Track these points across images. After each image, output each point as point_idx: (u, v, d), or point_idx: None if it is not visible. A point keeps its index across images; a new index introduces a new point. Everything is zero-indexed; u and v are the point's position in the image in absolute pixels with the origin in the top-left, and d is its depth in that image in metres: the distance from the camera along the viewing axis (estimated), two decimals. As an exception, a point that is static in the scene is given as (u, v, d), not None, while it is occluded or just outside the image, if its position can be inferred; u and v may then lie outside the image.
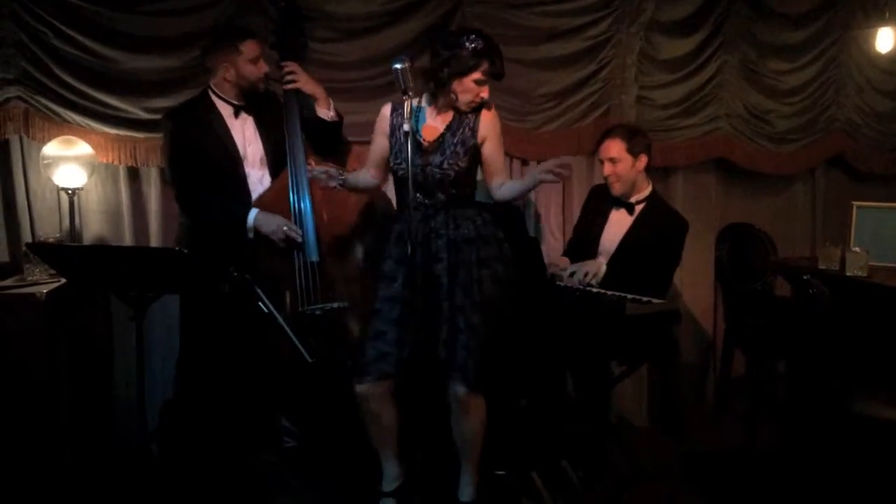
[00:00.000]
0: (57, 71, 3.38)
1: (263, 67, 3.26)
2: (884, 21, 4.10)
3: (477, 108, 2.90)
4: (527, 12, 3.82)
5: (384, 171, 3.05)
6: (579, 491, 3.26)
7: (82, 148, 3.42)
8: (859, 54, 4.32)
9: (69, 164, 3.39)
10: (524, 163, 4.02)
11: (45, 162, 3.39)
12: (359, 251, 3.33)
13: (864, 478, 3.05)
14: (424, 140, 2.87)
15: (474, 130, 2.89)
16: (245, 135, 3.29)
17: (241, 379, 3.24)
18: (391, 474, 3.03)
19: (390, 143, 2.94)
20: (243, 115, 3.30)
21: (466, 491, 3.01)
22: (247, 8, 3.50)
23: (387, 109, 2.97)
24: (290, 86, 3.28)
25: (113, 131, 3.50)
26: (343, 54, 3.66)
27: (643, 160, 3.44)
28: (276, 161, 3.32)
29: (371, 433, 3.00)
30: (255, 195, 3.28)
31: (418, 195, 2.84)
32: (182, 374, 3.41)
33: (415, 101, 2.75)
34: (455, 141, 2.87)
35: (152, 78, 3.45)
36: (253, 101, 3.31)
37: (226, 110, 3.27)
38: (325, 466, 3.31)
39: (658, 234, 3.41)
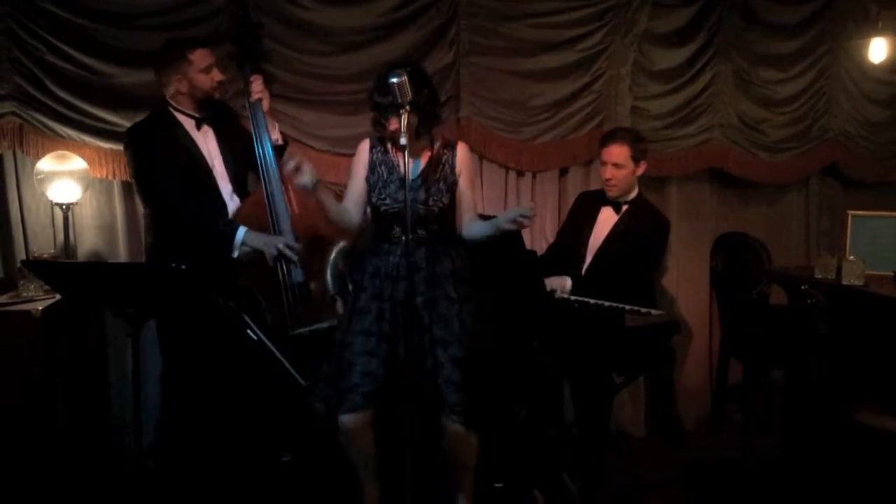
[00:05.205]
0: (51, 86, 3.37)
1: (217, 76, 3.16)
2: (876, 31, 4.13)
3: (453, 144, 2.90)
4: (521, 24, 3.83)
5: (364, 209, 2.97)
6: (579, 502, 3.25)
7: (76, 163, 3.40)
8: (851, 64, 4.36)
9: (63, 179, 3.37)
10: (520, 174, 4.03)
11: (39, 177, 3.37)
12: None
13: (864, 488, 3.06)
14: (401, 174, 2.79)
15: (453, 167, 2.88)
16: (209, 147, 3.20)
17: (226, 393, 3.17)
18: (372, 493, 3.01)
19: (369, 180, 2.88)
20: (205, 126, 3.21)
21: None
22: (239, 22, 3.48)
23: (365, 145, 2.91)
24: (256, 97, 3.19)
25: (107, 146, 3.49)
26: (340, 68, 3.65)
27: (643, 167, 3.51)
28: (238, 174, 3.26)
29: (351, 457, 2.95)
30: (228, 209, 3.20)
31: (397, 229, 2.80)
32: (167, 389, 3.36)
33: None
34: (437, 178, 2.85)
35: (147, 92, 3.42)
36: (210, 112, 3.22)
37: (188, 123, 3.17)
38: (313, 482, 3.28)
39: (639, 231, 3.45)
